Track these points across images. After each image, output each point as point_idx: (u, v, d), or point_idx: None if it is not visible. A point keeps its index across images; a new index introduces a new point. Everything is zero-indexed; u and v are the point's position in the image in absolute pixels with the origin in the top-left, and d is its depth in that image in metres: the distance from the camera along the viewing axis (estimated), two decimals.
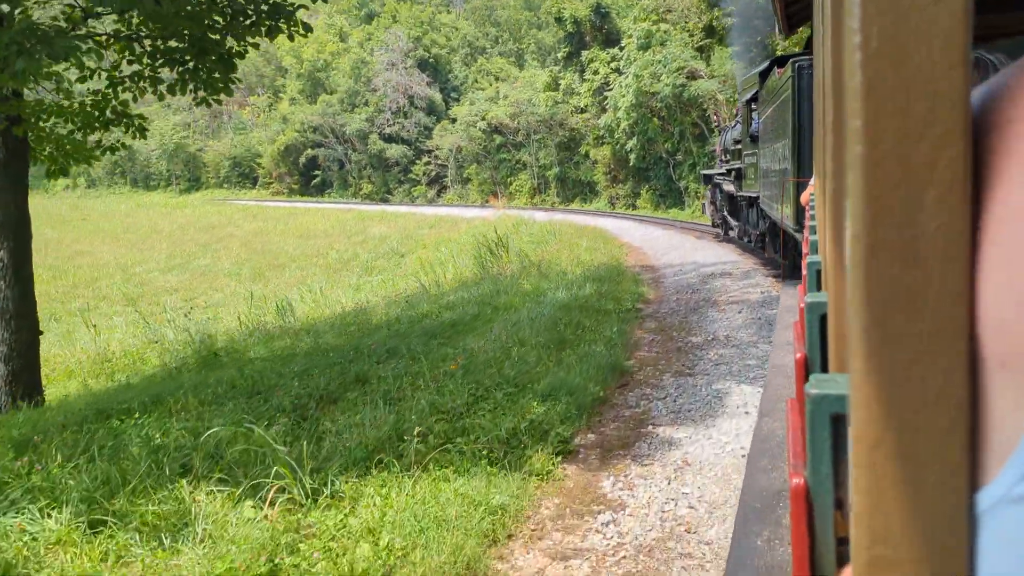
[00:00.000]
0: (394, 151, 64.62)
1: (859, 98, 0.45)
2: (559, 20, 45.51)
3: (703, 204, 22.78)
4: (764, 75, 12.62)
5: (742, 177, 15.13)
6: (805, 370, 1.43)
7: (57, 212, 56.12)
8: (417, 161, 64.54)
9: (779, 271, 11.76)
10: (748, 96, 14.33)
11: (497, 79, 61.92)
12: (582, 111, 45.74)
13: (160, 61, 8.26)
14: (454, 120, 58.71)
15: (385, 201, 65.17)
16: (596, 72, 43.02)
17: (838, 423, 0.70)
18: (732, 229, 17.44)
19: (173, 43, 8.10)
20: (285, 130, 71.36)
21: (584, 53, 43.71)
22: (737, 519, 3.45)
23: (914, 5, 0.43)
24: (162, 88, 8.61)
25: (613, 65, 41.89)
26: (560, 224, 27.61)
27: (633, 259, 16.94)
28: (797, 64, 9.39)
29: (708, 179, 21.07)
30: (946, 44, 0.43)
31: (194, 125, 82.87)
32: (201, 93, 8.52)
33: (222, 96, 8.73)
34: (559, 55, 47.28)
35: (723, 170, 17.99)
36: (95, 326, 12.94)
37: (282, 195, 73.38)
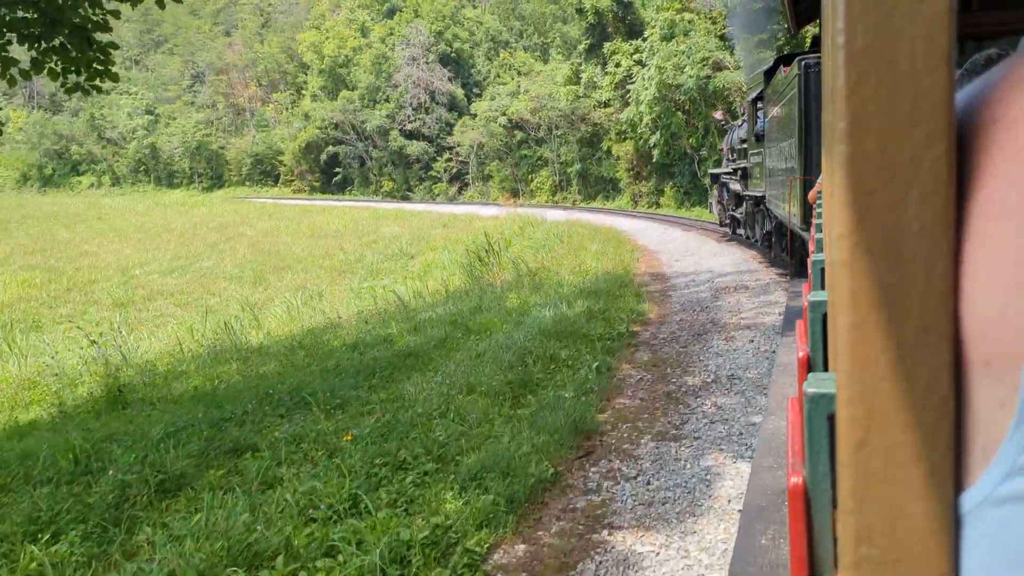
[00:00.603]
0: (414, 148, 63.33)
1: (843, 97, 0.45)
2: (580, 11, 43.81)
3: (711, 203, 22.82)
4: (769, 74, 12.49)
5: (748, 176, 15.09)
6: (807, 369, 1.44)
7: (75, 211, 55.61)
8: (438, 158, 63.20)
9: (787, 271, 11.81)
10: (754, 95, 14.26)
11: (520, 74, 60.33)
12: (605, 105, 44.05)
13: (5, 35, 6.76)
14: (474, 116, 57.24)
15: (405, 199, 63.93)
16: (618, 65, 41.29)
17: (835, 422, 0.68)
18: (740, 227, 17.44)
19: (21, 12, 6.67)
20: (306, 127, 70.42)
21: (606, 45, 41.99)
22: (742, 517, 3.41)
23: (898, 5, 0.43)
24: (14, 71, 7.16)
25: (636, 57, 40.15)
26: (574, 225, 26.02)
27: (644, 265, 15.33)
28: (804, 62, 9.22)
29: (715, 178, 20.93)
30: (929, 44, 0.43)
31: (217, 123, 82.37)
32: (74, 77, 7.10)
33: (106, 83, 7.29)
34: (580, 47, 45.55)
35: (729, 169, 17.91)
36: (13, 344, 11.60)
37: (303, 193, 72.49)
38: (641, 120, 37.58)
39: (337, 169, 69.93)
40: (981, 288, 0.43)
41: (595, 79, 43.98)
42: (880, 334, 0.46)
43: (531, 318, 9.16)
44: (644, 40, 38.92)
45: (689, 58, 33.03)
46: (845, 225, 0.46)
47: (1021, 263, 0.41)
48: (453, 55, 68.06)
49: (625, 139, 40.78)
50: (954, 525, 0.46)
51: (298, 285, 25.60)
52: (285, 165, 74.05)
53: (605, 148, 44.03)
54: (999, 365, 0.42)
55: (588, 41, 44.00)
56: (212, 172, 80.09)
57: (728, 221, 18.92)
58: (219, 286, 25.63)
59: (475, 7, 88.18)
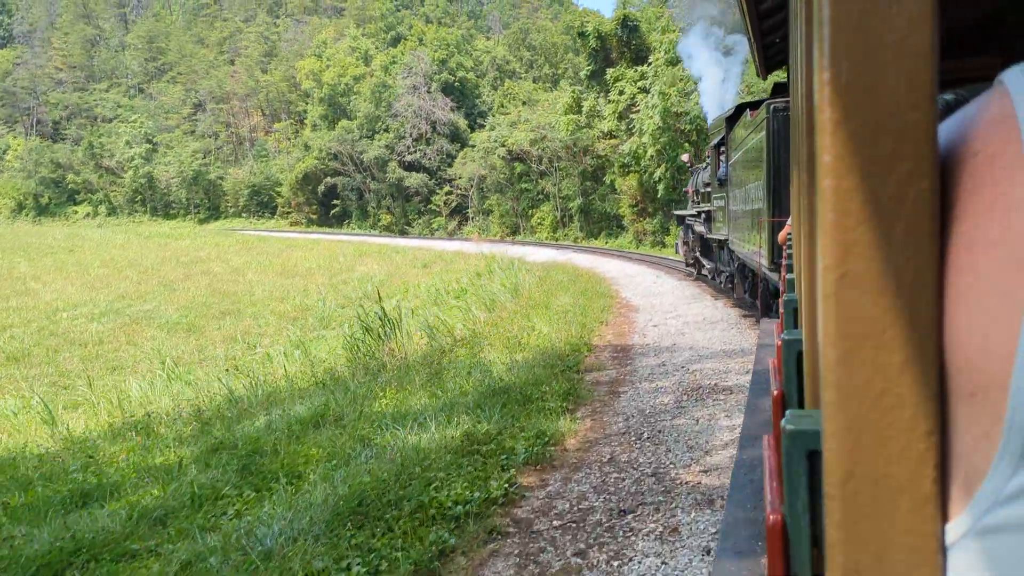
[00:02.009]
0: (414, 180, 60.35)
1: (828, 133, 0.46)
2: (582, 35, 40.74)
3: (677, 243, 23.04)
4: (731, 120, 12.67)
5: (712, 219, 15.21)
6: (783, 406, 1.44)
7: (52, 242, 52.91)
8: (438, 191, 60.16)
9: (753, 313, 11.87)
10: (716, 140, 14.38)
11: (525, 103, 57.31)
12: (609, 136, 40.77)
13: None
14: (473, 147, 54.20)
15: (404, 233, 60.85)
16: (622, 92, 38.03)
17: (814, 459, 0.70)
18: (704, 268, 17.51)
19: None
20: (304, 158, 67.74)
21: (609, 71, 38.80)
22: (716, 559, 3.08)
23: (881, 43, 0.44)
24: None
25: (641, 84, 36.91)
26: (555, 269, 22.53)
27: (612, 332, 11.81)
28: (772, 106, 9.46)
29: (681, 220, 21.37)
30: (913, 81, 0.44)
31: (216, 152, 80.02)
32: None
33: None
34: (582, 74, 42.43)
35: (694, 212, 18.01)
36: None
37: (300, 225, 69.64)
38: (645, 152, 34.24)
39: (335, 201, 67.05)
40: (964, 320, 0.44)
41: (598, 108, 40.76)
42: (866, 366, 0.46)
43: (371, 452, 5.67)
44: (649, 65, 35.71)
45: (696, 83, 29.73)
46: (831, 258, 0.46)
47: (1003, 294, 0.41)
48: (456, 84, 65.33)
49: (629, 172, 37.37)
50: (940, 556, 0.46)
51: (236, 334, 22.29)
52: (283, 197, 71.32)
53: (608, 182, 40.69)
54: (983, 396, 0.43)
55: (590, 67, 40.87)
56: (209, 203, 77.54)
57: (692, 262, 19.18)
58: (146, 335, 22.37)
59: (488, 38, 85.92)
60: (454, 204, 58.96)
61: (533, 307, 14.02)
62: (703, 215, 16.42)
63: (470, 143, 56.03)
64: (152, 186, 79.40)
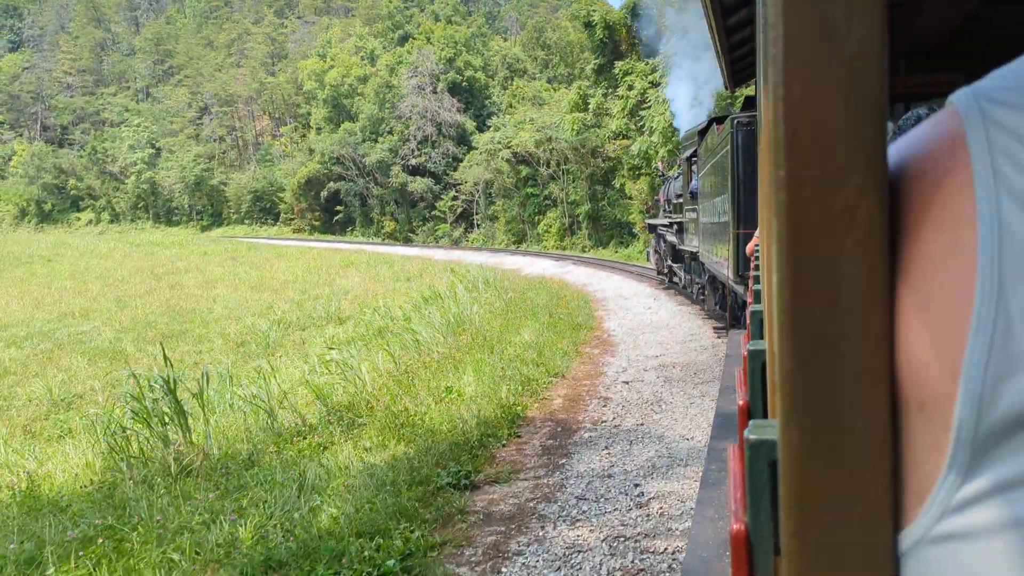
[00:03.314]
0: (418, 185, 57.10)
1: (782, 148, 0.46)
2: (588, 25, 37.28)
3: (648, 251, 23.11)
4: (702, 134, 12.72)
5: (683, 231, 15.29)
6: (747, 416, 1.45)
7: (35, 251, 50.32)
8: (443, 196, 56.87)
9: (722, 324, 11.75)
10: (688, 153, 14.56)
11: (533, 103, 53.86)
12: (619, 136, 37.23)
13: None
14: (475, 149, 50.93)
15: (407, 241, 57.62)
16: (631, 87, 34.54)
17: (776, 469, 0.70)
18: (676, 276, 17.46)
19: None
20: (307, 162, 64.79)
21: (618, 65, 35.31)
22: (683, 570, 3.47)
23: (833, 61, 0.45)
24: None
25: (652, 78, 33.40)
26: (535, 287, 19.17)
27: (562, 395, 8.43)
28: (736, 120, 9.52)
29: (652, 228, 21.47)
30: (864, 99, 0.45)
31: (221, 157, 77.37)
32: None
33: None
34: (589, 68, 38.96)
35: (666, 221, 18.03)
36: None
37: (303, 233, 66.73)
38: (656, 153, 30.70)
39: (338, 208, 64.00)
40: (914, 332, 0.45)
41: (606, 105, 37.26)
42: (819, 378, 0.46)
43: None
44: (660, 57, 32.22)
45: (710, 75, 26.21)
46: (785, 270, 0.47)
47: (950, 309, 0.42)
48: (464, 83, 62.06)
49: (639, 175, 33.82)
50: (893, 564, 0.47)
51: (172, 362, 19.09)
52: (285, 203, 68.43)
53: (618, 186, 37.19)
54: (932, 408, 0.44)
55: (598, 61, 37.39)
56: (212, 210, 74.92)
57: (666, 271, 19.07)
58: (63, 363, 19.31)
59: (505, 39, 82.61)
60: (460, 210, 55.69)
61: (474, 348, 10.63)
62: (675, 226, 16.44)
63: (474, 145, 52.68)
64: (155, 192, 77.04)
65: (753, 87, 8.07)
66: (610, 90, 36.97)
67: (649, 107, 32.30)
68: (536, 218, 45.90)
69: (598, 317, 14.58)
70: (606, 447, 6.37)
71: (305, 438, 6.56)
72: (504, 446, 6.56)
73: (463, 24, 70.62)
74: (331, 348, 11.62)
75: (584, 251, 39.02)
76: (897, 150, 0.50)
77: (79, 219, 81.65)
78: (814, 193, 0.46)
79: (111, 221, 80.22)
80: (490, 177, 49.63)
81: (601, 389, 8.57)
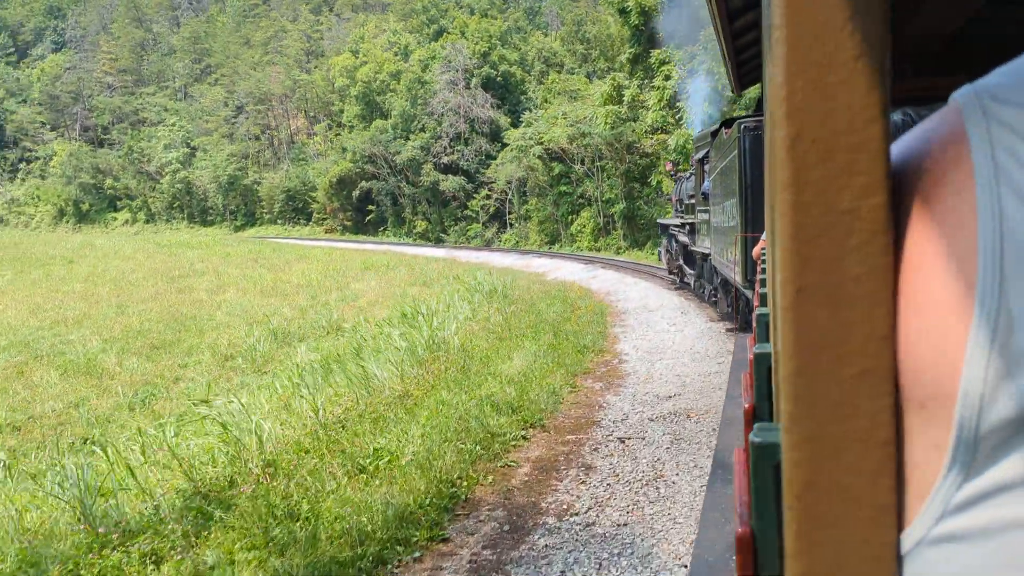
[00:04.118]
0: (450, 183, 55.14)
1: (785, 148, 0.47)
2: (623, 12, 34.92)
3: (660, 251, 23.17)
4: (715, 135, 12.58)
5: (696, 232, 15.23)
6: (753, 419, 1.44)
7: (60, 251, 49.51)
8: (475, 195, 54.86)
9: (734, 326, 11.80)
10: (700, 155, 14.47)
11: (572, 98, 51.53)
12: (657, 131, 34.81)
13: None
14: (506, 146, 48.85)
15: (439, 242, 55.75)
16: (668, 77, 32.13)
17: (781, 471, 0.71)
18: (687, 277, 17.42)
19: None
20: (339, 160, 63.24)
21: (654, 53, 32.91)
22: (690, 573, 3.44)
23: (836, 61, 0.45)
24: None
25: (690, 66, 30.96)
26: (549, 296, 17.05)
27: (530, 465, 6.28)
28: (742, 124, 9.58)
29: (664, 228, 21.42)
30: (867, 98, 0.45)
31: (255, 156, 76.35)
32: None
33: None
34: (623, 58, 36.59)
35: (678, 222, 18.06)
36: None
37: (335, 233, 65.27)
38: (694, 147, 28.28)
39: (370, 207, 62.39)
40: (915, 331, 0.45)
41: (642, 97, 34.88)
42: (823, 377, 0.46)
43: None
44: (698, 44, 29.77)
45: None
46: (788, 271, 0.47)
47: (954, 310, 0.42)
48: (499, 78, 59.95)
49: (677, 171, 31.32)
50: (896, 565, 0.46)
51: (148, 378, 17.46)
52: (317, 202, 67.02)
53: (655, 183, 34.80)
54: (933, 407, 0.44)
55: (632, 50, 35.00)
56: (246, 209, 73.94)
57: (676, 270, 18.98)
58: (35, 376, 17.71)
59: (545, 35, 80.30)
60: (492, 209, 53.64)
61: (442, 383, 8.54)
62: (687, 227, 16.38)
63: (506, 142, 50.58)
64: (189, 192, 76.39)
65: (759, 90, 7.79)
66: (646, 81, 34.59)
67: (687, 98, 29.92)
68: (569, 218, 43.66)
69: (612, 336, 12.38)
70: (563, 571, 4.21)
71: (124, 547, 4.53)
72: (417, 560, 4.45)
73: (498, 18, 68.44)
74: (204, 401, 9.58)
75: (618, 252, 36.68)
76: (899, 148, 0.50)
77: (116, 219, 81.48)
78: (817, 194, 0.45)
79: (147, 221, 79.87)
80: (523, 175, 47.53)
81: (586, 451, 6.40)
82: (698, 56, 28.53)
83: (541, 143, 42.86)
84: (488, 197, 53.58)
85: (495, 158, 53.24)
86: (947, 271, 0.43)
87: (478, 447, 6.30)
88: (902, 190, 0.47)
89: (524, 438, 6.80)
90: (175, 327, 23.10)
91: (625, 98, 35.09)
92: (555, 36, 77.46)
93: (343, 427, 6.87)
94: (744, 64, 4.77)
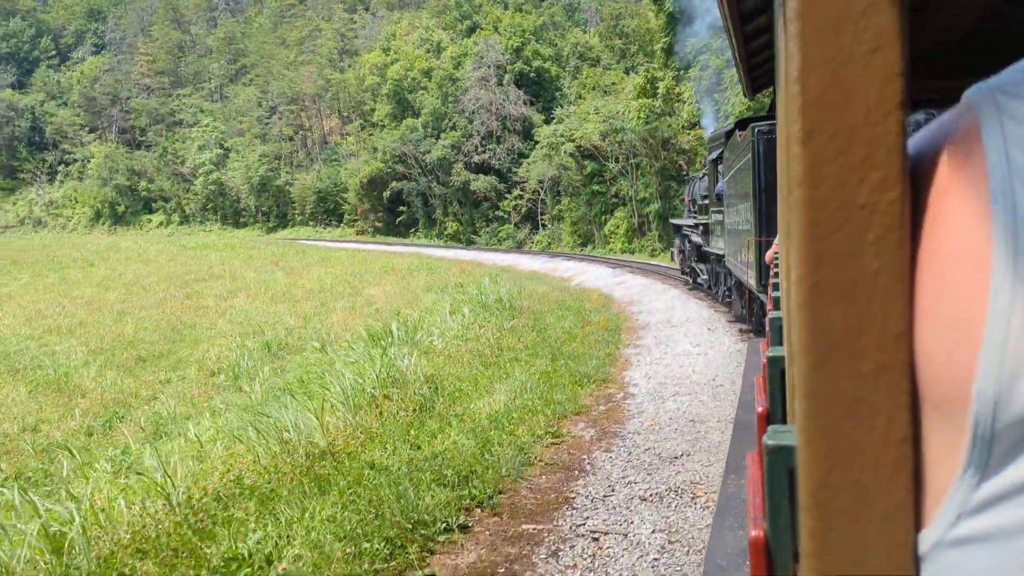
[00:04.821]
0: (480, 183, 53.36)
1: (800, 143, 0.46)
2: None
3: (672, 251, 23.06)
4: (729, 135, 12.44)
5: (709, 233, 15.15)
6: (767, 423, 1.44)
7: (83, 253, 48.80)
8: (507, 195, 53.00)
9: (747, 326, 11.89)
10: (714, 155, 14.34)
11: (605, 92, 49.41)
12: (695, 125, 32.61)
13: None
14: (536, 143, 46.94)
15: (470, 243, 54.01)
16: (705, 68, 29.92)
17: (795, 474, 0.71)
18: (700, 277, 17.29)
19: None
20: (370, 160, 61.84)
21: (689, 42, 30.73)
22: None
23: (851, 56, 0.45)
24: None
25: (728, 55, 28.73)
26: (562, 305, 15.18)
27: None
28: (756, 128, 9.53)
29: (677, 228, 21.58)
30: (882, 92, 0.44)
31: (288, 156, 75.42)
32: None
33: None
34: (657, 47, 34.43)
35: (691, 222, 18.00)
36: None
37: (366, 235, 63.95)
38: None
39: (401, 208, 60.90)
40: (930, 329, 0.44)
41: (678, 90, 32.71)
42: (839, 373, 0.46)
43: None
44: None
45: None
46: (803, 267, 0.46)
47: (968, 306, 0.42)
48: (532, 74, 58.04)
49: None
50: (914, 565, 0.46)
51: (123, 396, 15.96)
52: (348, 203, 65.75)
53: None
54: (949, 408, 0.43)
55: (667, 39, 32.82)
56: (278, 211, 73.00)
57: (689, 272, 18.84)
58: (3, 392, 16.22)
59: (584, 31, 78.13)
60: (524, 210, 51.74)
61: (381, 437, 6.68)
62: (700, 227, 16.28)
63: (536, 139, 48.66)
64: (223, 194, 75.74)
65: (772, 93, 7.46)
66: (682, 72, 32.41)
67: (725, 89, 27.73)
68: (603, 218, 41.60)
69: (623, 360, 10.42)
70: None
71: None
72: None
73: (532, 13, 66.47)
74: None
75: (652, 255, 34.56)
76: (913, 144, 0.49)
77: (150, 221, 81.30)
78: (833, 189, 0.45)
79: (180, 223, 79.51)
80: (555, 174, 45.60)
81: (541, 555, 4.49)
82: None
83: (573, 140, 40.90)
84: (520, 197, 51.72)
85: (527, 156, 51.32)
86: (961, 266, 0.42)
87: (387, 547, 4.43)
88: (917, 185, 0.46)
89: (463, 528, 4.91)
90: (171, 336, 21.67)
91: (659, 91, 32.93)
92: (594, 32, 75.31)
93: (218, 509, 5.03)
94: (756, 68, 4.70)
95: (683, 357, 10.32)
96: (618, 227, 39.73)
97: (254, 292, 29.25)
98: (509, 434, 6.62)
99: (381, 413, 7.30)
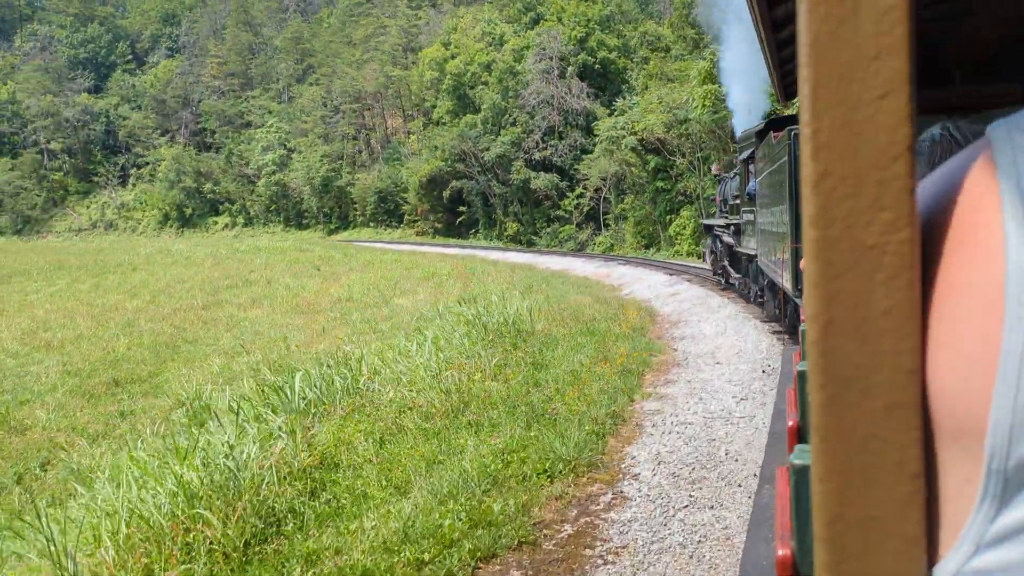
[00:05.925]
0: (541, 181, 50.35)
1: (811, 185, 0.47)
2: None
3: (704, 252, 23.13)
4: (761, 135, 12.50)
5: (741, 233, 15.10)
6: (797, 437, 1.44)
7: (132, 257, 47.81)
8: (568, 193, 49.86)
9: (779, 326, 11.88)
10: (745, 155, 14.24)
11: (670, 80, 45.77)
12: (770, 113, 28.95)
13: None
14: (597, 136, 43.66)
15: (531, 245, 51.06)
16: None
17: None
18: (732, 278, 17.24)
19: None
20: (429, 159, 59.47)
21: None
22: None
23: (861, 100, 0.45)
24: None
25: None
26: (608, 324, 12.15)
27: None
28: (793, 132, 9.36)
29: (708, 228, 21.51)
30: (892, 136, 0.45)
31: (351, 157, 73.83)
32: None
33: None
34: (723, 28, 30.77)
35: (722, 222, 17.86)
36: None
37: (426, 236, 61.70)
38: None
39: (461, 208, 58.35)
40: (945, 364, 0.44)
41: None
42: (851, 411, 0.46)
43: None
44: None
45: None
46: (816, 307, 0.47)
47: (982, 340, 0.42)
48: (597, 66, 54.72)
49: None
50: None
51: (70, 434, 13.62)
52: (408, 204, 63.53)
53: None
54: (964, 440, 0.43)
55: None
56: (339, 211, 71.44)
57: (720, 271, 18.91)
58: None
59: (658, 23, 74.43)
60: (587, 209, 48.51)
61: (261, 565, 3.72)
62: (732, 227, 16.15)
63: (595, 132, 45.37)
64: (285, 195, 74.70)
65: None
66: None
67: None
68: (668, 218, 38.11)
69: (633, 423, 7.32)
70: None
71: None
72: None
73: (599, 2, 63.03)
74: None
75: None
76: (931, 181, 0.50)
77: (216, 223, 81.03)
78: (843, 230, 0.46)
79: (245, 225, 78.93)
80: (618, 170, 42.31)
81: None
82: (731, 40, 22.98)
83: (634, 133, 37.56)
84: (582, 196, 48.52)
85: (591, 152, 48.06)
86: (975, 302, 0.43)
87: None
88: (932, 222, 0.47)
89: None
90: (165, 354, 19.45)
91: None
92: (666, 23, 71.52)
93: None
94: (789, 75, 4.65)
95: (718, 419, 7.16)
96: (684, 227, 36.23)
97: (279, 301, 26.99)
98: (451, 549, 3.68)
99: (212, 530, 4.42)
